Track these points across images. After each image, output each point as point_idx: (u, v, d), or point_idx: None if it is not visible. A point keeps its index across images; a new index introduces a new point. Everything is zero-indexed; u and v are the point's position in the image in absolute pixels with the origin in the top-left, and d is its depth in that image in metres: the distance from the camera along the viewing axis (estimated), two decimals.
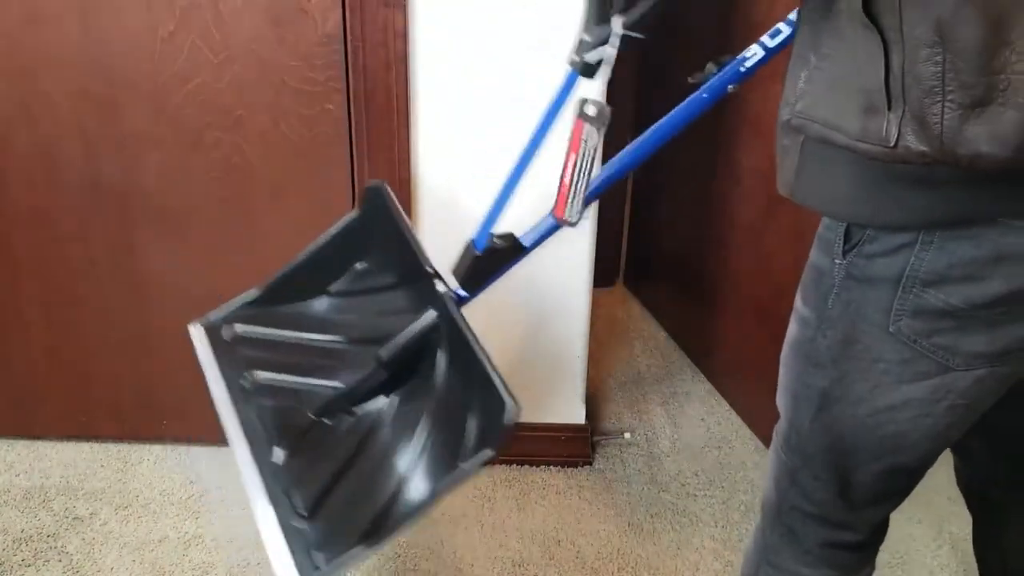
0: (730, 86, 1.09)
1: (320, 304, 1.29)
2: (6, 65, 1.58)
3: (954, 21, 0.67)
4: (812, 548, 1.00)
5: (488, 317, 1.75)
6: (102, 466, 1.83)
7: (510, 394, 0.96)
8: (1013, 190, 0.75)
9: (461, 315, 1.12)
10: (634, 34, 1.00)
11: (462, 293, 1.18)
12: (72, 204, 1.68)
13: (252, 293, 1.28)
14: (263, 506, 1.08)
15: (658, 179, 2.43)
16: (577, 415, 1.87)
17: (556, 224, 1.15)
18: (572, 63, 1.05)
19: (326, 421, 1.18)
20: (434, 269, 1.17)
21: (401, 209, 1.22)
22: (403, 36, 1.52)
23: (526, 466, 1.84)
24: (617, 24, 0.99)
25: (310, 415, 1.18)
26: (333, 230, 1.28)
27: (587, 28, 1.02)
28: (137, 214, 1.69)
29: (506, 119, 1.59)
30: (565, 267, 1.70)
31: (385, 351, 1.14)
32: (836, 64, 0.77)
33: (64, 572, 1.55)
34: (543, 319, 1.75)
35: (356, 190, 1.66)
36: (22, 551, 1.60)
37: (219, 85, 1.58)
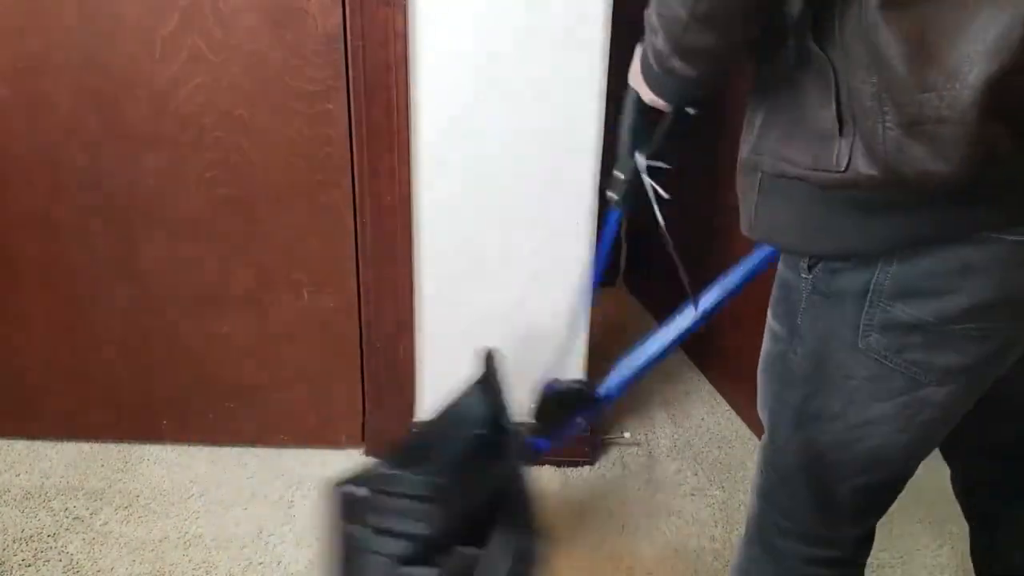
0: None
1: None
2: (7, 65, 1.58)
3: (880, 42, 0.68)
4: (794, 565, 0.99)
5: (488, 317, 1.75)
6: (102, 466, 1.83)
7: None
8: (971, 205, 0.74)
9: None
10: (659, 164, 1.11)
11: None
12: (72, 204, 1.68)
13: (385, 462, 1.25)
14: None
15: (658, 179, 2.43)
16: None
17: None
18: (612, 202, 1.16)
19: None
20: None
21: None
22: (403, 36, 1.52)
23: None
24: (640, 159, 1.09)
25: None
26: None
27: (619, 166, 1.12)
28: (137, 214, 1.69)
29: (506, 119, 1.59)
30: (565, 267, 1.70)
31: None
32: (787, 98, 0.78)
33: (64, 572, 1.55)
34: (543, 319, 1.75)
35: (356, 190, 1.66)
36: (22, 551, 1.60)
37: (219, 85, 1.58)
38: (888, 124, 0.69)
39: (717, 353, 2.17)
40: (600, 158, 1.63)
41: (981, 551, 1.21)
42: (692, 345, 2.30)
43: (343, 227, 1.69)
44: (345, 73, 1.57)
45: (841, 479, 0.91)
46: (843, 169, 0.72)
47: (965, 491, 1.20)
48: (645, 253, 2.58)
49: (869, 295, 0.80)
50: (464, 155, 1.63)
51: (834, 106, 0.73)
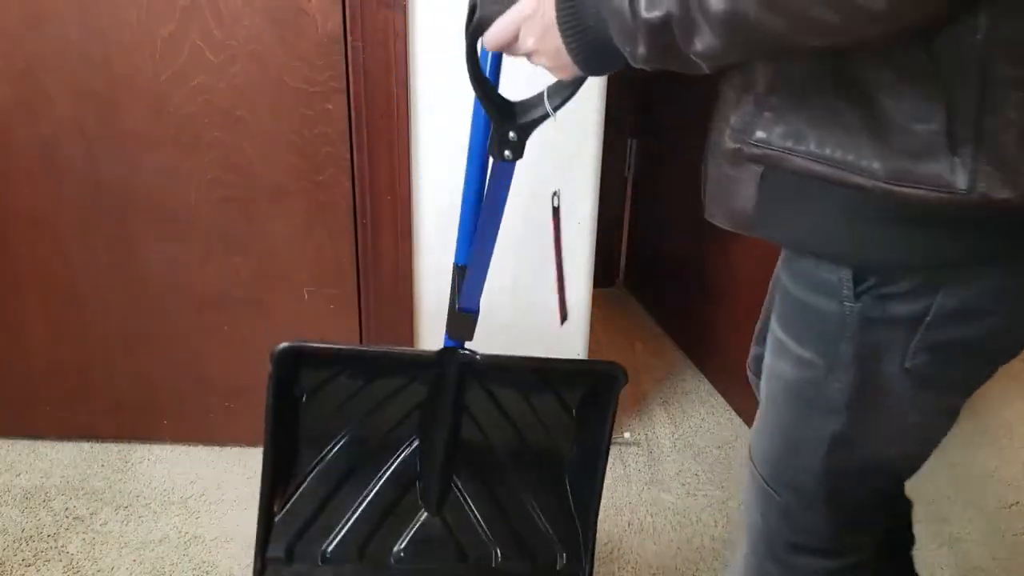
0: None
1: None
2: (7, 65, 1.58)
3: None
4: None
5: (488, 317, 1.75)
6: (102, 466, 1.83)
7: None
8: None
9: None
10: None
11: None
12: (72, 204, 1.68)
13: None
14: None
15: (658, 179, 2.43)
16: None
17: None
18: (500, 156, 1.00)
19: None
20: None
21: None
22: (403, 37, 1.52)
23: None
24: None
25: None
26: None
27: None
28: (137, 214, 1.69)
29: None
30: (566, 266, 1.70)
31: None
32: (844, 98, 0.71)
33: (64, 572, 1.55)
34: (543, 319, 1.75)
35: (356, 190, 1.66)
36: (22, 551, 1.60)
37: (219, 85, 1.58)
38: None
39: (717, 353, 2.17)
40: (600, 153, 1.63)
41: None
42: (692, 345, 2.30)
43: (343, 227, 1.69)
44: (345, 73, 1.57)
45: (873, 491, 0.92)
46: (964, 190, 0.67)
47: None
48: (645, 253, 2.58)
49: (925, 320, 0.77)
50: (464, 154, 1.63)
51: (944, 122, 0.67)
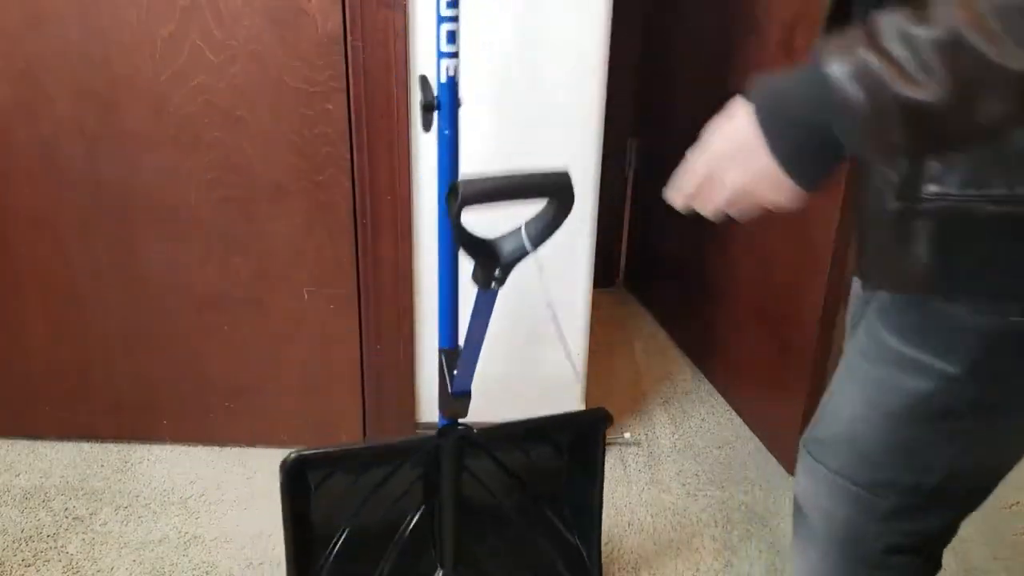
0: None
1: None
2: (7, 65, 1.58)
3: None
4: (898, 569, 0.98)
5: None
6: (102, 466, 1.83)
7: None
8: None
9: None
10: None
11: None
12: (72, 204, 1.68)
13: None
14: None
15: (658, 179, 2.43)
16: None
17: None
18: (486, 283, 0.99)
19: None
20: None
21: None
22: (403, 37, 1.52)
23: None
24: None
25: None
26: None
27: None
28: (137, 214, 1.69)
29: (505, 118, 1.59)
30: (565, 267, 1.70)
31: None
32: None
33: (64, 572, 1.55)
34: (543, 319, 1.75)
35: (356, 190, 1.66)
36: (22, 551, 1.59)
37: (219, 85, 1.58)
38: None
39: (717, 353, 2.17)
40: (600, 155, 1.63)
41: None
42: (692, 345, 2.30)
43: (343, 227, 1.69)
44: (345, 73, 1.57)
45: (981, 491, 0.91)
46: None
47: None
48: (645, 253, 2.58)
49: None
50: (464, 154, 1.63)
51: None
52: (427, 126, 1.14)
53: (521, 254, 0.97)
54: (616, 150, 2.40)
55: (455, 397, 1.17)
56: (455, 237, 0.96)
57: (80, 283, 1.75)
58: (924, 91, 0.56)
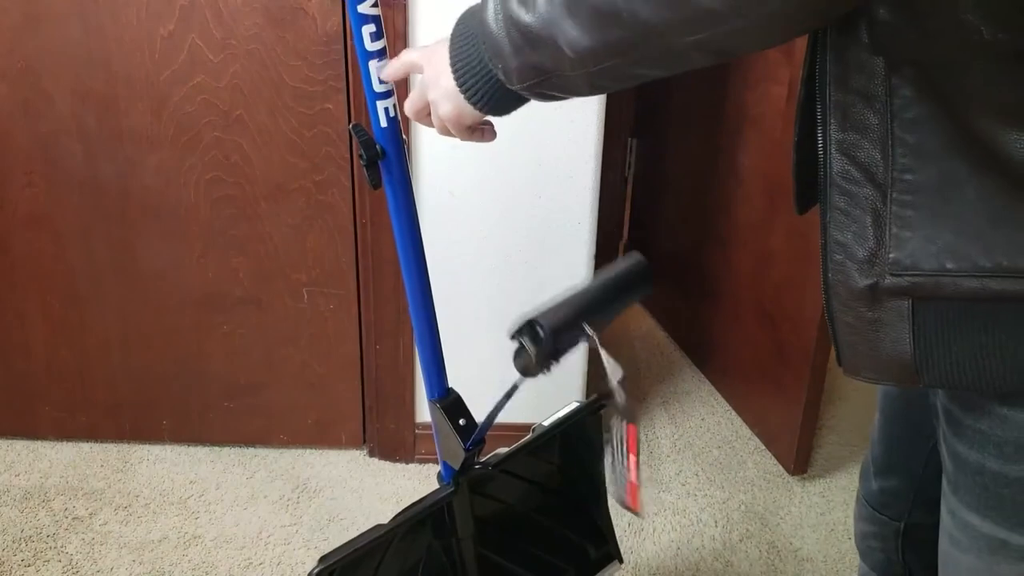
0: None
1: None
2: (7, 64, 1.58)
3: None
4: None
5: (488, 317, 1.75)
6: (102, 466, 1.82)
7: None
8: None
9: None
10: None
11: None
12: (72, 203, 1.68)
13: None
14: None
15: (658, 179, 2.43)
16: None
17: None
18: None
19: None
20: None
21: None
22: (403, 36, 1.52)
23: None
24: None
25: None
26: None
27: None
28: (137, 213, 1.69)
29: (506, 118, 1.59)
30: (565, 268, 1.70)
31: None
32: (983, 187, 0.56)
33: (64, 572, 1.55)
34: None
35: (356, 190, 1.66)
36: (22, 551, 1.59)
37: (219, 84, 1.58)
38: None
39: (717, 353, 2.17)
40: (600, 156, 1.63)
41: None
42: (692, 345, 2.30)
43: (343, 227, 1.69)
44: (345, 73, 1.57)
45: None
46: None
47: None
48: (645, 253, 2.58)
49: None
50: (464, 154, 1.63)
51: None
52: (376, 183, 0.95)
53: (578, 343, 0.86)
54: (616, 150, 2.40)
55: (469, 450, 1.07)
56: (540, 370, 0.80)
57: (80, 283, 1.75)
58: (527, 15, 0.62)
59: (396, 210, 1.00)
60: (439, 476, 1.17)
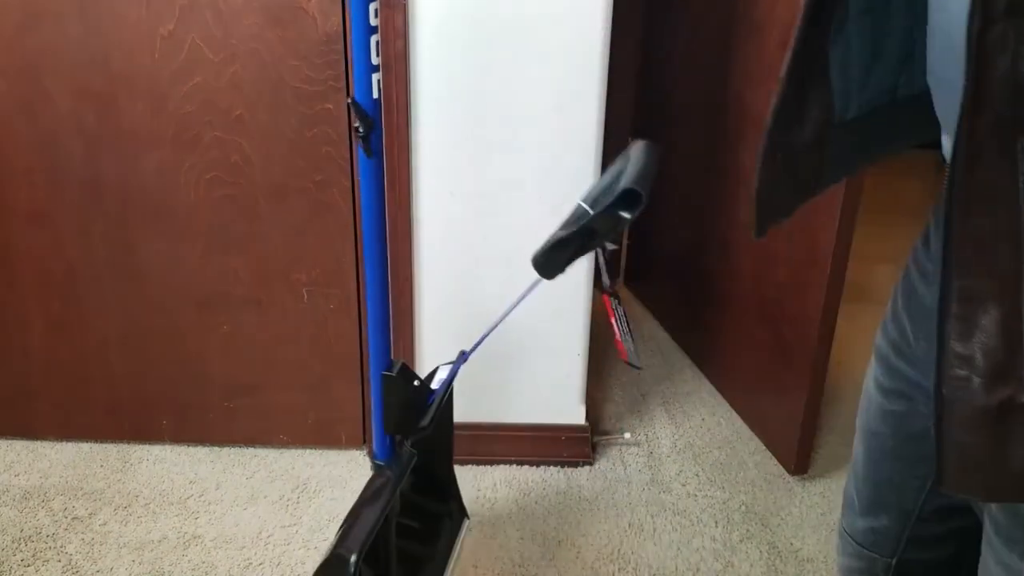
0: None
1: None
2: (7, 63, 1.58)
3: None
4: None
5: (488, 317, 1.75)
6: (102, 466, 1.82)
7: None
8: None
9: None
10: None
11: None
12: (72, 202, 1.68)
13: None
14: None
15: (659, 179, 2.42)
16: (577, 415, 1.86)
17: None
18: None
19: None
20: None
21: None
22: (403, 36, 1.52)
23: (526, 466, 1.84)
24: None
25: None
26: None
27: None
28: (136, 213, 1.69)
29: (504, 117, 1.59)
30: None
31: None
32: None
33: (63, 572, 1.55)
34: (543, 319, 1.75)
35: (356, 190, 1.66)
36: (22, 551, 1.59)
37: (219, 84, 1.58)
38: None
39: (717, 353, 2.17)
40: (600, 156, 1.63)
41: None
42: (693, 346, 2.30)
43: (343, 227, 1.69)
44: (345, 73, 1.57)
45: None
46: None
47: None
48: (645, 253, 2.58)
49: None
50: (464, 154, 1.63)
51: None
52: (370, 152, 1.07)
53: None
54: (616, 150, 2.40)
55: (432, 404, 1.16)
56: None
57: (79, 282, 1.75)
58: None
59: (371, 176, 1.11)
60: (371, 455, 1.21)
